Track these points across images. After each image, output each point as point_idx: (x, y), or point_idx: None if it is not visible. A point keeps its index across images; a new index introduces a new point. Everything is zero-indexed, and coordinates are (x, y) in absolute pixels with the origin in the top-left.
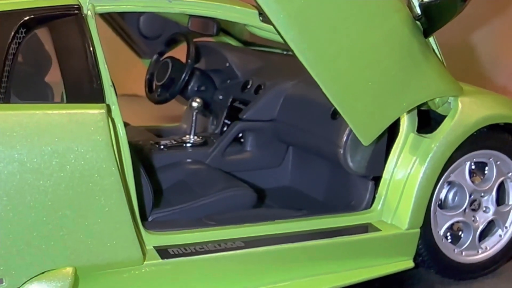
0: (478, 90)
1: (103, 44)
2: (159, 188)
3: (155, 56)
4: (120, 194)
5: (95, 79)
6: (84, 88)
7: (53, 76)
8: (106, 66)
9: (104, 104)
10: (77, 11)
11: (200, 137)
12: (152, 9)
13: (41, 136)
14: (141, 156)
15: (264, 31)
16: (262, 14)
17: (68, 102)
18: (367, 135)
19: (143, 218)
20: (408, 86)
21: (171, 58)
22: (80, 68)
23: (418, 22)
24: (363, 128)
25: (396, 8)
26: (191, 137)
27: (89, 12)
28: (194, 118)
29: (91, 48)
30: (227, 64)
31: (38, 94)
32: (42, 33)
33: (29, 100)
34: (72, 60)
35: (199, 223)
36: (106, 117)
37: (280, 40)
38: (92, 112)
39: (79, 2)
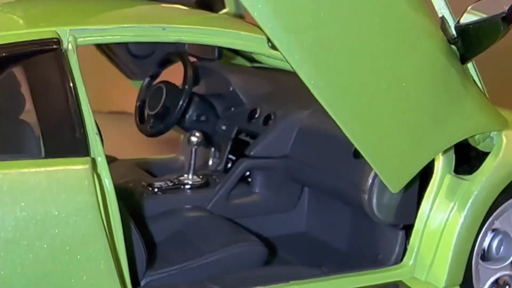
0: None
1: (88, 56)
2: (153, 241)
3: (146, 80)
4: (108, 263)
5: (77, 127)
6: (64, 138)
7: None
8: (90, 109)
9: (88, 158)
10: (55, 46)
11: (201, 177)
12: (145, 38)
13: (15, 200)
14: (132, 203)
15: (274, 60)
16: (271, 41)
17: (46, 155)
18: (396, 182)
19: (135, 283)
20: (444, 123)
21: (165, 83)
22: (60, 114)
23: (454, 47)
24: (391, 173)
25: (428, 32)
26: (190, 176)
27: (69, 46)
28: (193, 155)
29: (73, 90)
30: (231, 89)
31: (13, 143)
32: (17, 73)
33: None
34: (50, 104)
35: (202, 287)
36: (91, 173)
37: None
38: (75, 168)
39: (58, 35)
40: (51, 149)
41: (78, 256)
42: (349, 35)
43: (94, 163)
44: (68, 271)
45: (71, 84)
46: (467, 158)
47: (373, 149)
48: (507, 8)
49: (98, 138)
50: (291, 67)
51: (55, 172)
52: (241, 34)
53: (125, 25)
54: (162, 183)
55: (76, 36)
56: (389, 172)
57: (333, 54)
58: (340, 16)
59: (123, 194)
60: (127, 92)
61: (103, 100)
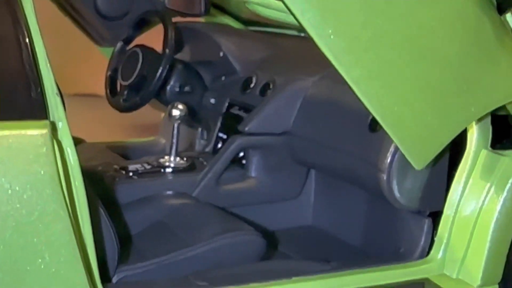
0: None
1: (46, 28)
2: (128, 234)
3: (119, 44)
4: (71, 249)
5: (33, 85)
6: (18, 98)
7: None
8: (49, 65)
9: (47, 122)
10: None
11: (185, 159)
12: None
13: None
14: (101, 189)
15: (271, 10)
16: None
17: None
18: (421, 156)
19: (105, 278)
20: (477, 86)
21: (142, 47)
22: (12, 70)
23: None
24: (415, 146)
25: None
26: (172, 158)
27: None
28: (175, 132)
29: (27, 40)
30: (221, 54)
31: None
32: None
33: None
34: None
35: (185, 284)
36: (50, 139)
37: (295, 22)
38: (31, 133)
39: None
40: (2, 112)
41: (35, 239)
42: None
43: (54, 128)
44: (23, 257)
45: (25, 33)
46: (507, 130)
47: (392, 117)
48: None
49: (58, 99)
50: (294, 16)
51: (6, 138)
52: None
53: None
54: (138, 166)
55: None
56: (413, 144)
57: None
58: None
59: (91, 177)
60: (96, 72)
61: (68, 80)
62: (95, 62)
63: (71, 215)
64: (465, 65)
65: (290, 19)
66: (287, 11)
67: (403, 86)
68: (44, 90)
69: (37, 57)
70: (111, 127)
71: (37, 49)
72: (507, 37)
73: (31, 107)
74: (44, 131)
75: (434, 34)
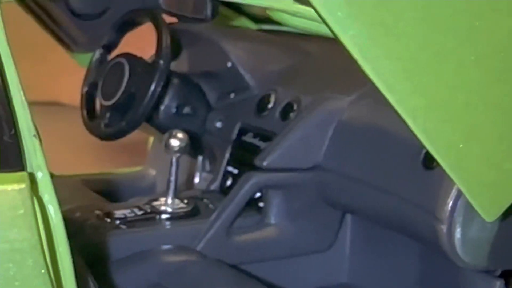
0: None
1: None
2: None
3: (98, 52)
4: None
5: (6, 126)
6: None
7: None
8: (24, 99)
9: (25, 173)
10: None
11: (185, 201)
12: None
13: None
14: (82, 242)
15: (299, 19)
16: None
17: None
18: (492, 205)
19: None
20: None
21: (128, 56)
22: None
23: None
24: (486, 193)
25: None
26: (169, 201)
27: None
28: (174, 168)
29: None
30: (229, 64)
31: None
32: None
33: None
34: None
35: None
36: (29, 197)
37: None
38: (4, 189)
39: None
40: None
41: None
42: None
43: (32, 180)
44: None
45: None
46: None
47: (457, 156)
48: None
49: (37, 142)
50: (334, 34)
51: None
52: None
53: None
54: (126, 212)
55: None
56: (482, 190)
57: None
58: None
59: (67, 228)
60: (61, 72)
61: (24, 85)
62: (57, 61)
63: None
64: None
65: (324, 30)
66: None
67: (472, 117)
68: (19, 132)
69: (9, 90)
70: (81, 145)
71: (9, 80)
72: None
73: (2, 154)
74: (22, 185)
75: (509, 54)
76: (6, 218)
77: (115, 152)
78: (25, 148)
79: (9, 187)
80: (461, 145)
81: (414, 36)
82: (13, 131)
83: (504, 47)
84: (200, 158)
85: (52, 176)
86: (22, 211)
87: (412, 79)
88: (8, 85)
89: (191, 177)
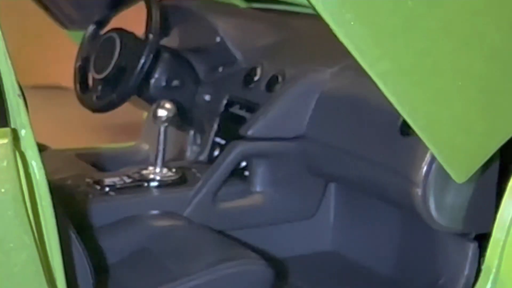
0: None
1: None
2: (105, 263)
3: (91, 28)
4: (37, 281)
5: None
6: None
7: None
8: (9, 60)
9: (8, 129)
10: None
11: (174, 170)
12: None
13: None
14: (72, 209)
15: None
16: None
17: None
18: (463, 167)
19: None
20: None
21: (119, 31)
22: None
23: None
24: (456, 154)
25: None
26: (158, 170)
27: None
28: (161, 137)
29: None
30: (218, 39)
31: None
32: None
33: None
34: None
35: None
36: (12, 151)
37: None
38: None
39: None
40: None
41: None
42: None
43: (15, 137)
44: None
45: None
46: None
47: (427, 119)
48: None
49: (21, 101)
50: None
51: None
52: None
53: None
54: (116, 180)
55: None
56: (452, 152)
57: None
58: None
59: (57, 195)
60: (61, 58)
61: (25, 70)
62: (59, 46)
63: (38, 241)
64: None
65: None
66: None
67: (441, 82)
68: (4, 91)
69: None
70: (81, 128)
71: None
72: None
73: None
74: (5, 140)
75: (478, 18)
76: None
77: (114, 133)
78: (9, 107)
79: None
80: (431, 108)
81: (384, 2)
82: None
83: (471, 13)
84: (191, 132)
85: (47, 148)
86: (4, 164)
87: (382, 44)
88: None
89: (184, 150)
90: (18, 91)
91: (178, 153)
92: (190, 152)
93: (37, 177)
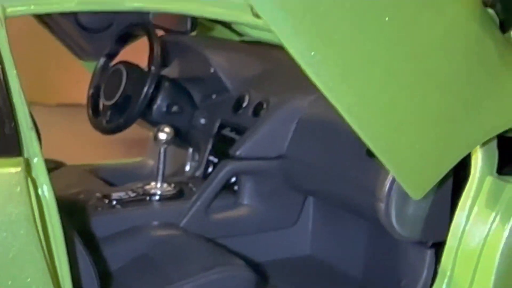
0: None
1: (26, 30)
2: (109, 268)
3: (101, 60)
4: None
5: (6, 120)
6: None
7: None
8: (23, 97)
9: (21, 159)
10: None
11: (173, 185)
12: (93, 6)
13: None
14: (82, 220)
15: (260, 32)
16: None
17: None
18: (418, 185)
19: None
20: (479, 109)
21: (125, 64)
22: None
23: (491, 11)
24: (412, 175)
25: None
26: (159, 185)
27: None
28: (161, 157)
29: (1, 72)
30: (212, 70)
31: None
32: None
33: None
34: None
35: None
36: (24, 178)
37: None
38: (4, 172)
39: None
40: None
41: (9, 282)
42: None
43: (28, 165)
44: None
45: None
46: None
47: (386, 144)
48: None
49: (33, 134)
50: (280, 39)
51: None
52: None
53: None
54: (122, 194)
55: (6, 5)
56: (409, 172)
57: (331, 25)
58: None
59: (70, 208)
60: (81, 79)
61: (50, 89)
62: (79, 68)
63: (47, 256)
64: (465, 88)
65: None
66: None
67: (399, 112)
68: (18, 125)
69: (10, 89)
70: (98, 142)
71: (10, 81)
72: (510, 53)
73: (4, 144)
74: (18, 169)
75: (432, 55)
76: (5, 195)
77: (127, 146)
78: (23, 139)
79: (8, 170)
80: (390, 135)
81: (348, 45)
82: (13, 124)
83: (426, 50)
84: (190, 150)
85: (63, 165)
86: (18, 190)
87: (347, 81)
88: (9, 86)
89: (184, 165)
90: (31, 124)
91: (179, 167)
92: (189, 167)
93: (47, 199)
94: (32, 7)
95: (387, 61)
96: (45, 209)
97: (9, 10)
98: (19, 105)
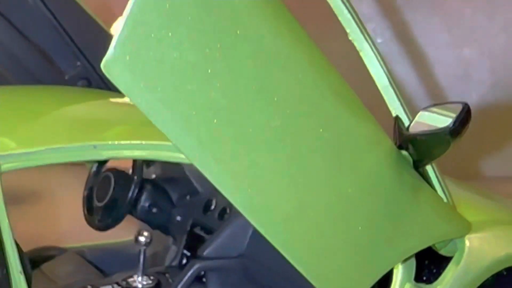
0: (494, 219)
1: None
2: None
3: (94, 166)
4: None
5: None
6: None
7: None
8: (14, 245)
9: None
10: None
11: (152, 278)
12: (75, 158)
13: None
14: None
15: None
16: None
17: None
18: None
19: None
20: (397, 235)
21: (113, 171)
22: None
23: (405, 152)
24: None
25: (372, 141)
26: (140, 279)
27: None
28: (141, 256)
29: None
30: (186, 173)
31: None
32: None
33: None
34: None
35: None
36: None
37: None
38: None
39: None
40: None
41: None
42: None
43: None
44: None
45: None
46: (432, 262)
47: (314, 270)
48: (452, 122)
49: (22, 277)
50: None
51: None
52: None
53: (53, 146)
54: (108, 287)
55: (0, 162)
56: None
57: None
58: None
59: None
60: None
61: None
62: None
63: None
64: (384, 219)
65: None
66: None
67: (323, 243)
68: (9, 270)
69: (2, 239)
70: None
71: (2, 231)
72: (424, 189)
73: None
74: None
75: (354, 195)
76: None
77: None
78: (13, 282)
79: None
80: (315, 258)
81: (282, 195)
82: (4, 271)
83: (350, 196)
84: (171, 238)
85: (63, 250)
86: None
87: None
88: (1, 236)
89: (167, 247)
90: (19, 268)
91: (163, 250)
92: (171, 251)
93: None
94: (24, 162)
95: (314, 203)
96: None
97: (4, 166)
98: (10, 252)
